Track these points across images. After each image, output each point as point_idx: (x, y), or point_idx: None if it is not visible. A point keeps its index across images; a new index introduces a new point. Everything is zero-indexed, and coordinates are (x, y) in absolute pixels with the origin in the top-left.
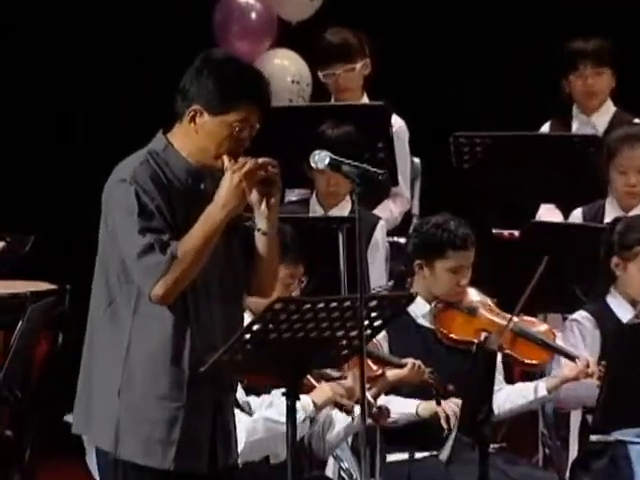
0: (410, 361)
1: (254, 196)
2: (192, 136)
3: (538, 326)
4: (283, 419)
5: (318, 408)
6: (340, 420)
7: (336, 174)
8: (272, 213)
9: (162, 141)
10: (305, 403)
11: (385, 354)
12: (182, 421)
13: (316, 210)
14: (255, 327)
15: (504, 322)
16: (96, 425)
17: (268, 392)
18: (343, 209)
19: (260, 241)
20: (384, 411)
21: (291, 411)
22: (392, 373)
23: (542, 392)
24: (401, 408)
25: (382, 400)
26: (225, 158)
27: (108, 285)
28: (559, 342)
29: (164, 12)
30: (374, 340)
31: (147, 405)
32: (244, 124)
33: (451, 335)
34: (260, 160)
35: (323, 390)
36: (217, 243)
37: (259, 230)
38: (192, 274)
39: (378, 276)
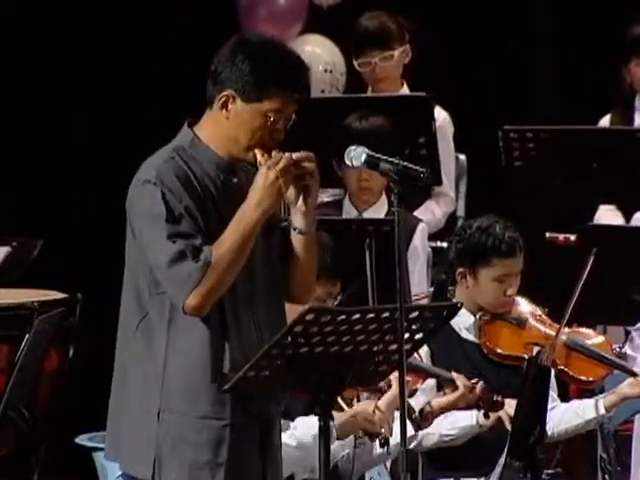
0: (460, 381)
1: (290, 193)
2: (222, 124)
3: (594, 338)
4: (293, 443)
5: (339, 438)
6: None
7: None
8: (309, 211)
9: (188, 135)
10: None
11: (430, 367)
12: (229, 440)
13: (349, 211)
14: (285, 340)
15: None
16: (130, 452)
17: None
18: (378, 210)
19: (297, 241)
20: (427, 415)
21: (324, 432)
22: (445, 400)
23: (600, 410)
24: (458, 423)
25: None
26: (257, 152)
27: (139, 298)
28: (628, 350)
29: None
30: (414, 353)
31: (188, 426)
32: (279, 115)
33: (498, 349)
34: (295, 155)
35: (351, 422)
36: (257, 245)
37: (295, 229)
38: (229, 281)
39: (418, 284)
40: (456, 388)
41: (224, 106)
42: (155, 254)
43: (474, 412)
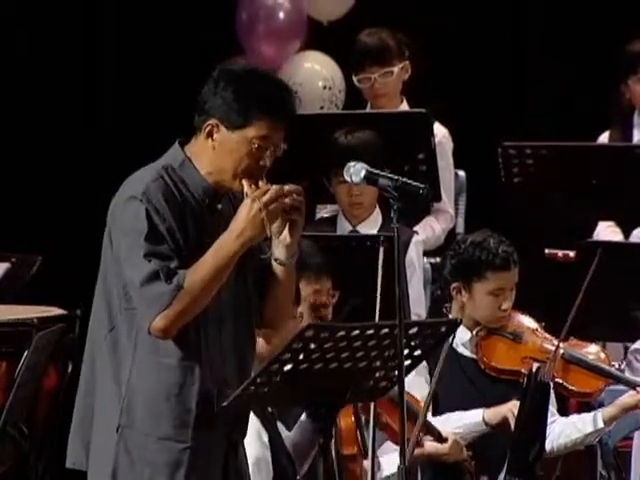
0: (451, 437)
1: (275, 223)
2: (209, 153)
3: (589, 349)
4: None
5: None
6: (389, 463)
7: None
8: (293, 242)
9: (179, 155)
10: None
11: (428, 421)
12: (187, 464)
13: (343, 227)
14: (284, 357)
15: (553, 348)
16: (94, 464)
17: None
18: (372, 224)
19: (276, 271)
20: None
21: (324, 450)
22: (432, 446)
23: (599, 424)
24: (464, 420)
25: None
26: (245, 183)
27: (110, 310)
28: (627, 374)
29: (185, 11)
30: (418, 398)
31: (147, 446)
32: (264, 142)
33: (495, 364)
34: (284, 188)
35: None
36: (234, 272)
37: (276, 260)
38: (198, 307)
39: (415, 300)
40: (444, 441)
41: (209, 135)
42: (130, 271)
43: (480, 410)
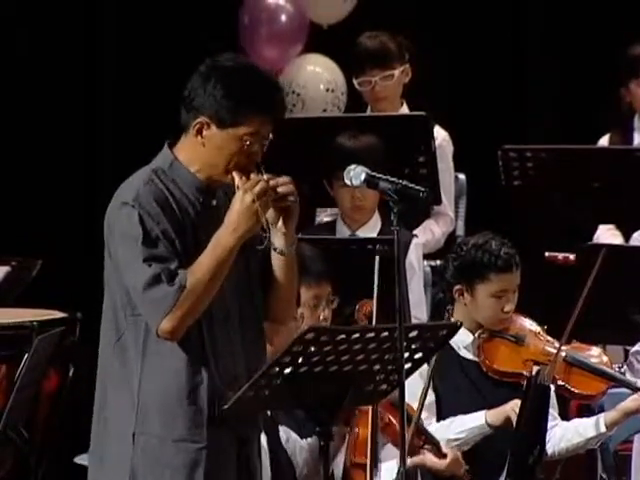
0: (451, 453)
1: (270, 213)
2: (199, 150)
3: (592, 352)
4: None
5: None
6: (388, 470)
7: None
8: (290, 231)
9: (168, 157)
10: None
11: (431, 433)
12: (205, 464)
13: (342, 231)
14: (284, 360)
15: (555, 350)
16: (110, 473)
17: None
18: (372, 229)
19: (277, 261)
20: None
21: (325, 452)
22: (430, 461)
23: (601, 428)
24: (467, 425)
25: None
26: (235, 175)
27: (116, 317)
28: (628, 376)
29: (186, 14)
30: (414, 407)
31: (164, 449)
32: (255, 137)
33: (497, 367)
34: (273, 180)
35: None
36: (235, 264)
37: (276, 249)
38: (203, 305)
39: (416, 303)
40: (443, 457)
41: (199, 132)
42: (131, 277)
43: (482, 412)
